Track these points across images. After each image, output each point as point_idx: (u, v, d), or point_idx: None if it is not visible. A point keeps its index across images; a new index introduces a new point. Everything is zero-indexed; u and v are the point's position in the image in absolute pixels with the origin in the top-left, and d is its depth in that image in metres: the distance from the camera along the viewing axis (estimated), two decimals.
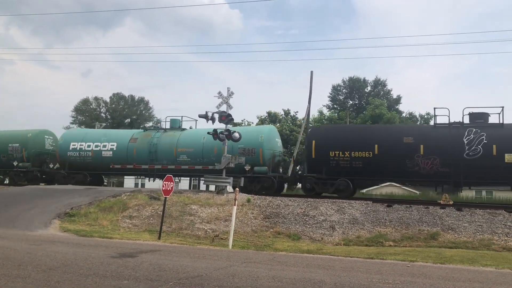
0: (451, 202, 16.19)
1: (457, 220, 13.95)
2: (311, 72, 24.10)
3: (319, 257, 10.23)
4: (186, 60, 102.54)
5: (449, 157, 17.18)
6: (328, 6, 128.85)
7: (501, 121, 17.69)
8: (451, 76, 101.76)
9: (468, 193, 26.74)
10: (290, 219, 15.07)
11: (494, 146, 16.78)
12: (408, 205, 15.69)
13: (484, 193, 33.82)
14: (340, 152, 18.68)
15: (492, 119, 18.17)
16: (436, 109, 18.78)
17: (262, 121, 42.14)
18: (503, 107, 17.73)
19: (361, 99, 50.09)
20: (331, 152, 18.80)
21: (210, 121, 18.69)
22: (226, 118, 18.44)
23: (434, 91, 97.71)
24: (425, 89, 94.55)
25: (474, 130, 17.29)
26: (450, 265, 9.29)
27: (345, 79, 52.16)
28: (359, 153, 18.47)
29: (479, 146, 16.99)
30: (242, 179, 19.00)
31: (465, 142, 17.18)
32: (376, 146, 18.29)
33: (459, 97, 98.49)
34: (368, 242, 13.07)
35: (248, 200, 16.76)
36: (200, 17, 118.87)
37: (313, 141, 19.47)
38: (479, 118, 18.16)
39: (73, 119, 61.89)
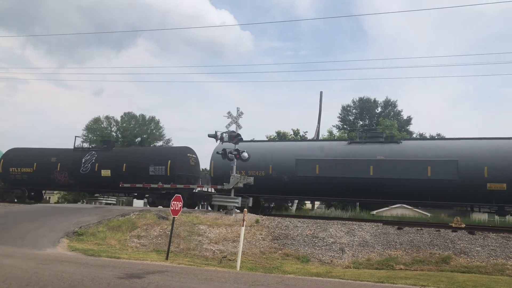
0: (463, 225, 15.92)
1: (469, 243, 13.69)
2: (321, 93, 24.40)
3: (328, 280, 10.06)
4: (197, 81, 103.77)
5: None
6: (338, 28, 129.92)
7: None
8: (459, 97, 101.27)
9: (480, 216, 26.36)
10: (299, 240, 14.92)
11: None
12: (419, 228, 15.46)
13: (497, 216, 33.20)
14: None
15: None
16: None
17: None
18: None
19: (372, 120, 49.98)
20: None
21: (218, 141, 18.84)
22: (235, 138, 18.48)
23: (443, 111, 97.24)
24: (434, 110, 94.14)
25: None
26: None
27: (355, 100, 52.25)
28: None
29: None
30: (251, 199, 18.92)
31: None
32: None
33: (467, 117, 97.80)
34: (378, 265, 12.85)
35: (257, 221, 16.64)
36: (212, 38, 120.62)
37: None
38: None
39: (84, 137, 62.44)
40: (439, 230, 15.05)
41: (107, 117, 64.30)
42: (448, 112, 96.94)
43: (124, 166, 23.38)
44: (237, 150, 18.39)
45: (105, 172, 24.13)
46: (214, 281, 8.76)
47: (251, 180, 19.25)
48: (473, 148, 18.40)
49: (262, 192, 20.65)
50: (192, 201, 22.89)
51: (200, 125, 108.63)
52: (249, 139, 23.64)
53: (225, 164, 19.58)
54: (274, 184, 20.44)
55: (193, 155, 23.78)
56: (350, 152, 20.16)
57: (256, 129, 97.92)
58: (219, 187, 19.74)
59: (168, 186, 21.10)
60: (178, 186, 20.86)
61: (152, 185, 21.49)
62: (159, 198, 22.27)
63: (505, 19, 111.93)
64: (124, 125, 64.03)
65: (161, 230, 15.81)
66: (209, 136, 18.94)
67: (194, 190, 22.19)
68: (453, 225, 16.04)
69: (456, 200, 18.52)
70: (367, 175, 19.02)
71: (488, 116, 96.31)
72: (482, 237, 14.13)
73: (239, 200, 18.20)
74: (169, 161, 22.35)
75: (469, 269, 12.15)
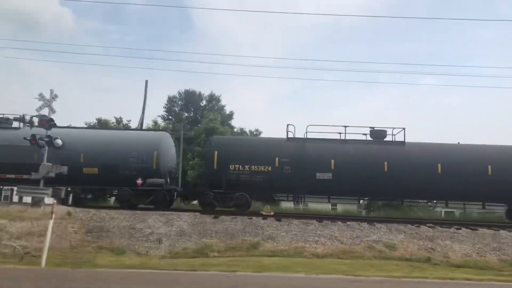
0: (272, 213, 17.42)
1: (276, 230, 15.02)
2: (146, 81, 23.91)
3: (142, 271, 9.90)
4: (8, 57, 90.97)
5: None
6: (166, 17, 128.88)
7: None
8: (277, 97, 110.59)
9: (288, 204, 29.18)
10: (115, 232, 14.37)
11: None
12: (234, 216, 16.36)
13: (301, 204, 37.32)
14: None
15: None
16: None
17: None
18: None
19: (197, 112, 50.94)
20: None
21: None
22: (47, 123, 16.78)
23: (263, 109, 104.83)
24: (255, 107, 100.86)
25: None
26: (267, 273, 9.92)
27: (181, 91, 52.56)
28: None
29: None
30: (63, 190, 17.46)
31: None
32: None
33: (284, 117, 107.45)
34: (194, 254, 13.18)
35: (69, 213, 15.46)
36: (25, 10, 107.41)
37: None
38: None
39: None
40: (251, 218, 16.16)
41: None
42: (267, 110, 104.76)
43: None
44: (49, 136, 16.74)
45: None
46: (11, 281, 7.82)
47: (64, 169, 17.73)
48: None
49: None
50: None
51: (13, 106, 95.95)
52: (66, 126, 21.65)
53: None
54: None
55: None
56: None
57: (76, 114, 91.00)
58: (25, 176, 17.70)
59: None
60: None
61: None
62: None
63: (318, 30, 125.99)
64: None
65: None
66: (15, 119, 16.84)
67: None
68: (264, 213, 17.42)
69: None
70: None
71: (301, 117, 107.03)
72: (287, 223, 15.64)
73: (49, 191, 16.62)
74: None
75: (275, 253, 13.31)
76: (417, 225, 15.94)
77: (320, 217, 17.12)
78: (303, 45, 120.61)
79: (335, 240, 14.31)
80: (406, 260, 12.85)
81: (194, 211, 17.96)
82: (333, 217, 17.43)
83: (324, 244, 14.03)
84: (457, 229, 15.51)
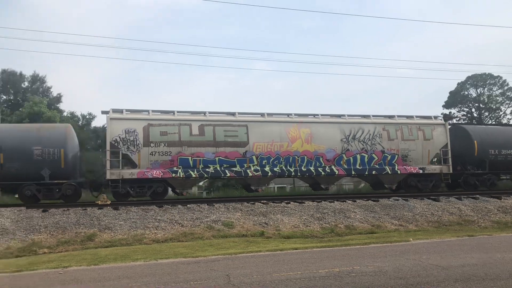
0: (109, 202, 16.69)
1: (114, 219, 14.43)
2: None
3: None
4: None
5: None
6: None
7: None
8: (111, 78, 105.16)
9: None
10: None
11: None
12: (65, 209, 15.22)
13: None
14: None
15: None
16: None
17: None
18: None
19: (17, 95, 45.56)
20: None
21: None
22: None
23: (96, 91, 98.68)
24: (87, 89, 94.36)
25: None
26: (104, 265, 9.48)
27: None
28: None
29: None
30: None
31: None
32: None
33: (118, 98, 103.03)
34: (20, 253, 11.88)
35: None
36: None
37: None
38: None
39: None
40: (85, 209, 15.25)
41: None
42: (99, 91, 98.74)
43: None
44: None
45: None
46: None
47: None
48: None
49: None
50: None
51: None
52: None
53: None
54: None
55: None
56: None
57: None
58: None
59: None
60: None
61: None
62: None
63: (154, 11, 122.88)
64: None
65: None
66: None
67: None
68: (100, 202, 16.58)
69: None
70: None
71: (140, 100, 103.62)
72: (125, 211, 15.15)
73: None
74: None
75: (113, 243, 12.80)
76: (252, 202, 16.97)
77: (160, 202, 16.99)
78: (139, 26, 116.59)
79: (175, 224, 14.40)
80: (243, 236, 13.62)
81: (18, 205, 16.19)
82: (174, 201, 17.46)
83: (164, 229, 14.00)
84: (287, 203, 16.98)
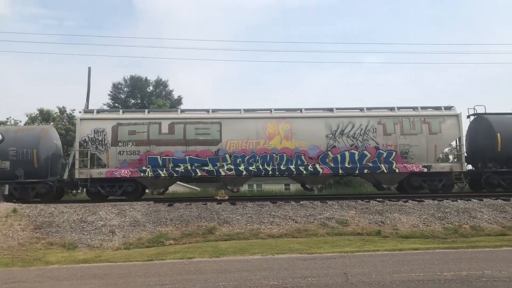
0: (227, 197, 17.47)
1: (231, 213, 15.10)
2: (89, 68, 22.96)
3: (96, 265, 9.69)
4: None
5: None
6: (106, 0, 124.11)
7: None
8: (224, 79, 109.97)
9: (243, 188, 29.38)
10: (65, 227, 13.92)
11: None
12: (188, 203, 16.27)
13: (255, 186, 37.76)
14: None
15: None
16: None
17: (32, 120, 37.77)
18: None
19: (144, 99, 49.80)
20: None
21: None
22: None
23: (210, 92, 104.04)
24: (203, 90, 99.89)
25: None
26: (224, 257, 9.97)
27: (126, 78, 51.11)
28: None
29: None
30: (7, 186, 16.65)
31: None
32: None
33: (231, 99, 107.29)
34: (149, 243, 13.03)
35: (15, 210, 14.79)
36: None
37: None
38: None
39: None
40: (206, 204, 16.14)
41: None
42: (213, 93, 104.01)
43: None
44: None
45: None
46: None
47: (6, 165, 17.01)
48: None
49: None
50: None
51: None
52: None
53: None
54: None
55: None
56: None
57: (16, 106, 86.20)
58: None
59: None
60: None
61: None
62: None
63: (264, 12, 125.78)
64: None
65: None
66: None
67: None
68: (218, 197, 17.45)
69: None
70: None
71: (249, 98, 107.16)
72: (242, 206, 15.76)
73: None
74: None
75: (231, 236, 13.41)
76: (367, 200, 16.51)
77: (274, 198, 17.34)
78: (249, 27, 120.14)
79: (289, 220, 14.59)
80: (358, 234, 13.33)
81: (147, 200, 17.71)
82: (287, 198, 17.70)
83: (279, 224, 14.27)
84: (405, 201, 16.22)
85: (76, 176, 18.19)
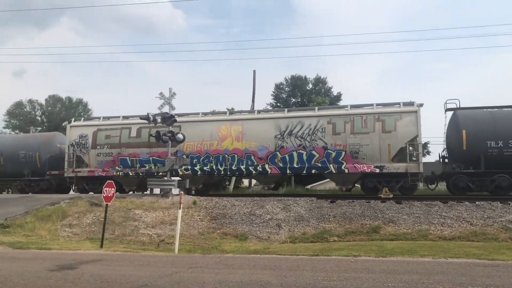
0: (391, 196, 16.84)
1: (397, 212, 14.50)
2: (254, 71, 24.51)
3: (266, 257, 10.26)
4: (127, 60, 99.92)
5: None
6: (268, 5, 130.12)
7: None
8: (387, 73, 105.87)
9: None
10: (237, 219, 15.05)
11: None
12: (351, 200, 16.14)
13: (421, 185, 35.42)
14: None
15: None
16: None
17: None
18: None
19: (303, 97, 50.89)
20: None
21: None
22: (168, 119, 18.10)
23: (372, 87, 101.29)
24: (363, 86, 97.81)
25: None
26: (391, 257, 9.63)
27: (287, 77, 52.86)
28: None
29: None
30: (187, 180, 18.75)
31: None
32: None
33: (396, 92, 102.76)
34: (314, 239, 13.29)
35: (194, 202, 16.56)
36: (143, 16, 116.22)
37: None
38: None
39: (6, 123, 58.39)
40: (369, 202, 15.80)
41: (30, 101, 60.45)
42: (375, 87, 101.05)
43: None
44: (171, 132, 18.03)
45: None
46: (152, 267, 8.63)
47: (187, 162, 19.19)
48: None
49: None
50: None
51: (131, 106, 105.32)
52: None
53: None
54: None
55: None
56: None
57: (192, 108, 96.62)
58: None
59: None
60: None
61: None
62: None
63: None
64: (50, 108, 60.56)
65: (94, 218, 15.28)
66: (141, 118, 18.45)
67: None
68: (382, 196, 16.91)
69: None
70: None
71: (412, 90, 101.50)
72: (408, 206, 15.02)
73: (175, 182, 17.97)
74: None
75: (397, 236, 12.90)
76: None
77: (444, 197, 16.13)
78: (414, 14, 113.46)
79: (463, 222, 13.42)
80: None
81: (310, 196, 18.11)
82: (460, 198, 16.29)
83: (450, 226, 13.25)
84: None
85: (66, 174, 21.72)
